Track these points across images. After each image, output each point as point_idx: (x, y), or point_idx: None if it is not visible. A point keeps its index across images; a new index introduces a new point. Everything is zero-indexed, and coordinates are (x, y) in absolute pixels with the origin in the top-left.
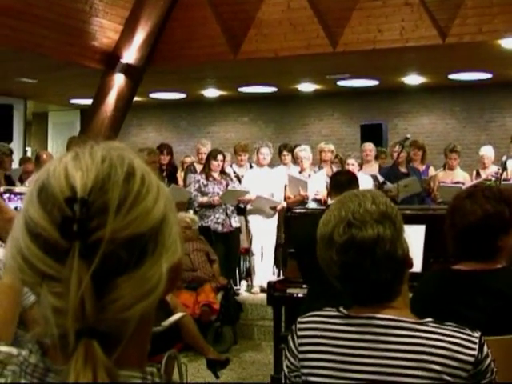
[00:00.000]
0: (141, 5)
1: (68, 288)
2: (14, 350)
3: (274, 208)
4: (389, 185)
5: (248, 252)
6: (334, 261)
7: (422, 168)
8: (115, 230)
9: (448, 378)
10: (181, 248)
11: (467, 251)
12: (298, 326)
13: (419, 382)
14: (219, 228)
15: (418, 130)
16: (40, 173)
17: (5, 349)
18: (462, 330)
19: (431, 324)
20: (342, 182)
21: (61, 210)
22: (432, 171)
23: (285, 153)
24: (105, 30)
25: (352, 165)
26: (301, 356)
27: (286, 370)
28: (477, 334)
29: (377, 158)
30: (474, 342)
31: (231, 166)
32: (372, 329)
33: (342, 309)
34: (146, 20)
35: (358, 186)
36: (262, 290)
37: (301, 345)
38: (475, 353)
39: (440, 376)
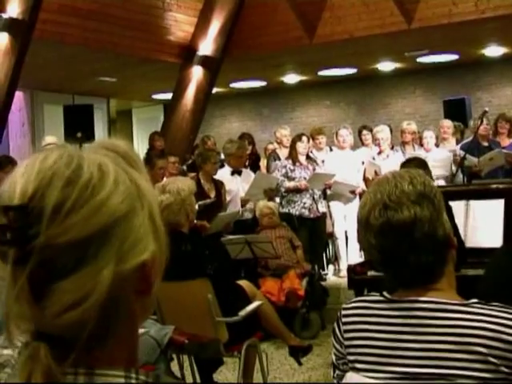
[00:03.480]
0: None
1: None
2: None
3: (353, 192)
4: (470, 159)
5: (332, 236)
6: (373, 245)
7: (509, 141)
8: (50, 236)
9: (494, 360)
10: (153, 247)
11: None
12: (343, 312)
13: (465, 365)
14: (306, 213)
15: (502, 101)
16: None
17: (9, 352)
18: (507, 310)
19: (476, 305)
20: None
21: (0, 218)
22: None
23: (364, 132)
24: (179, 23)
25: (430, 137)
26: (346, 343)
27: (333, 358)
28: None
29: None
30: None
31: (311, 151)
32: (416, 312)
33: (385, 293)
34: (220, 10)
35: (428, 172)
36: None
37: (346, 331)
38: None
39: (486, 359)
